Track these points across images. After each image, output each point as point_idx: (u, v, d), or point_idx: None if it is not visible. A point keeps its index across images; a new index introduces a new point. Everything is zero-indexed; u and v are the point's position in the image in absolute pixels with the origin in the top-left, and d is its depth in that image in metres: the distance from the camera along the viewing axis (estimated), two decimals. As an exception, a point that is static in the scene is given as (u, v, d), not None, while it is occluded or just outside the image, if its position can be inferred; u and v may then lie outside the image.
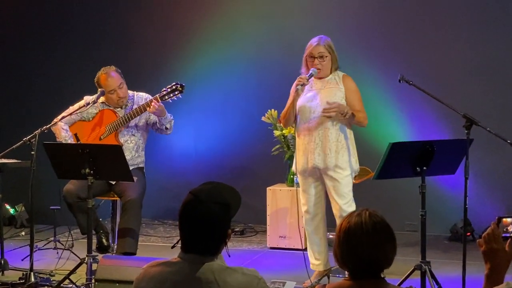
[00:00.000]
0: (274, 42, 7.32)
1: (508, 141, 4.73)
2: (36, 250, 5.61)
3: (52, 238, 6.21)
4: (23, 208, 7.29)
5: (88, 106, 5.51)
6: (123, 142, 5.57)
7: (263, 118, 6.61)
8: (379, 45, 7.04)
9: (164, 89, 5.46)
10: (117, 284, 4.50)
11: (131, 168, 5.13)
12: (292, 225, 6.33)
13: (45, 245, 6.21)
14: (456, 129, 5.69)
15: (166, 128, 5.59)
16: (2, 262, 5.39)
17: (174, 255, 2.58)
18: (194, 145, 7.69)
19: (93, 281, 4.73)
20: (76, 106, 5.63)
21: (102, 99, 5.62)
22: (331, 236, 5.49)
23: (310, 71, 4.96)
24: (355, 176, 5.21)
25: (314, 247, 5.17)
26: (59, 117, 5.58)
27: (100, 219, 5.77)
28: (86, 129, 5.63)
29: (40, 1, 7.91)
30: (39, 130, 5.10)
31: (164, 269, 2.52)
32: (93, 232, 5.34)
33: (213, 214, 2.48)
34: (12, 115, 7.87)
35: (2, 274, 5.40)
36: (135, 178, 5.11)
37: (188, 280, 2.46)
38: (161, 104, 5.40)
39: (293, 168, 5.23)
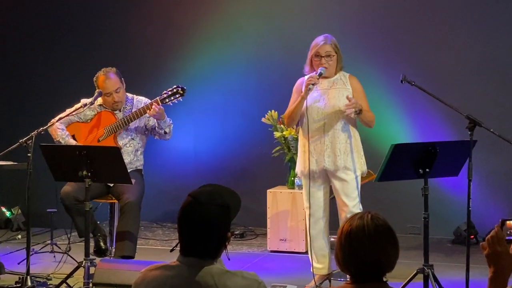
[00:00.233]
0: (274, 42, 7.32)
1: (512, 143, 4.71)
2: (32, 254, 5.58)
3: (49, 241, 6.16)
4: (20, 211, 7.25)
5: (85, 107, 5.47)
6: (122, 145, 5.54)
7: (263, 119, 6.59)
8: (380, 45, 7.03)
9: (165, 92, 5.43)
10: (115, 288, 4.47)
11: (129, 170, 5.11)
12: (293, 228, 6.31)
13: (41, 248, 6.17)
14: (459, 130, 5.67)
15: (165, 133, 5.56)
16: (-2, 265, 5.36)
17: (173, 258, 2.57)
18: (193, 147, 7.68)
19: (90, 285, 4.70)
20: (73, 108, 5.58)
21: (99, 100, 5.57)
22: (332, 239, 5.44)
23: (319, 70, 4.89)
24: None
25: (317, 251, 5.10)
26: (56, 118, 5.53)
27: (98, 222, 5.75)
28: (83, 130, 5.60)
29: (39, 1, 7.88)
30: (35, 132, 5.05)
31: (163, 273, 2.50)
32: (91, 235, 5.31)
33: (213, 216, 2.47)
34: (8, 116, 7.85)
35: (-2, 278, 5.36)
36: (133, 181, 5.07)
37: (187, 284, 2.45)
38: (161, 107, 5.36)
39: (297, 170, 5.15)
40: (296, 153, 6.34)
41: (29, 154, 4.93)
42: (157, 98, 5.41)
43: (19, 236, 6.99)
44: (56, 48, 7.82)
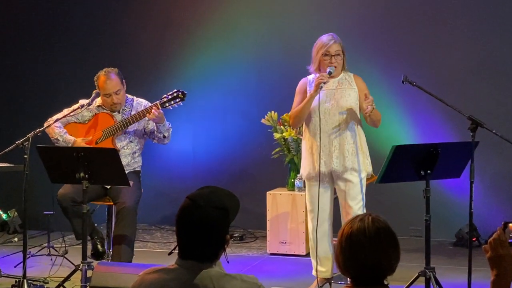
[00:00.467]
0: (274, 42, 7.32)
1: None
2: (29, 257, 5.56)
3: (45, 244, 6.16)
4: (16, 213, 7.26)
5: (83, 108, 5.43)
6: (120, 148, 5.49)
7: (263, 120, 6.57)
8: (381, 45, 7.03)
9: (165, 95, 5.39)
10: (113, 292, 4.44)
11: (126, 171, 5.07)
12: (293, 230, 6.29)
13: (38, 251, 6.16)
14: (461, 131, 5.65)
15: (164, 137, 5.53)
16: (-5, 269, 5.34)
17: (171, 261, 2.56)
18: (192, 148, 7.66)
19: (87, 288, 4.66)
20: (71, 108, 5.54)
21: (98, 101, 5.52)
22: (334, 242, 5.40)
23: (328, 69, 4.87)
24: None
25: (321, 253, 5.04)
26: (54, 118, 5.48)
27: (96, 225, 5.72)
28: (80, 131, 5.56)
29: (38, 1, 7.87)
30: (32, 133, 5.02)
31: (161, 276, 2.49)
32: (88, 237, 5.29)
33: (211, 219, 2.45)
34: (4, 117, 7.83)
35: (-5, 281, 5.33)
36: (131, 183, 5.02)
37: (185, 287, 2.43)
38: (161, 111, 5.32)
39: (302, 172, 5.10)
40: (296, 155, 6.33)
41: (25, 156, 4.89)
42: (157, 102, 5.36)
43: (16, 239, 6.97)
44: (55, 48, 7.81)
